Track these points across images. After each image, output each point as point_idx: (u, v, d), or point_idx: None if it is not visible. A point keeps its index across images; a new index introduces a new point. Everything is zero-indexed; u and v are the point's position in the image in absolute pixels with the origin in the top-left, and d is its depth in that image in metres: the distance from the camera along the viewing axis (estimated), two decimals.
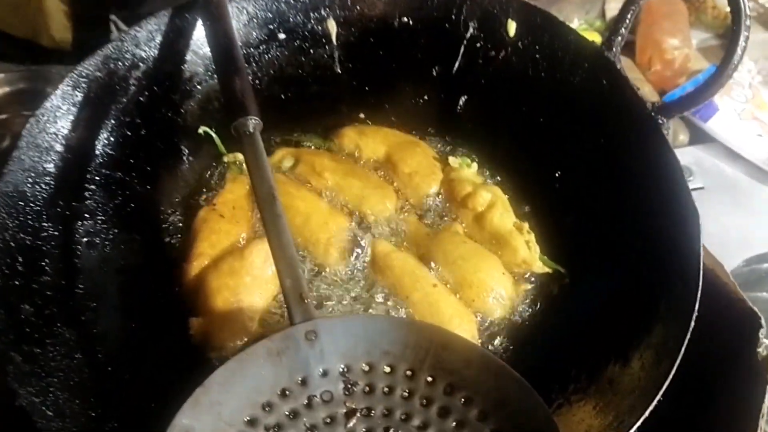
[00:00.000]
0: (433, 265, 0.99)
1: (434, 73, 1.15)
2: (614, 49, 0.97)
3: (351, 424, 0.62)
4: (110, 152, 0.94)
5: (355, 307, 0.95)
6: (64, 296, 0.83)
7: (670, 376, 0.70)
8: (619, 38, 0.97)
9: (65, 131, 0.88)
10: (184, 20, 0.98)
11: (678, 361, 0.71)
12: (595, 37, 1.62)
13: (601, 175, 0.99)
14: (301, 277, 0.67)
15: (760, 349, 0.78)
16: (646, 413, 0.68)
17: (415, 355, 0.65)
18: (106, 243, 0.92)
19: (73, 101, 0.89)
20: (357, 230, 1.03)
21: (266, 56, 1.09)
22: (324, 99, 1.17)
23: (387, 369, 0.65)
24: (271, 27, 1.07)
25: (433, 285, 0.94)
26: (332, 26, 1.10)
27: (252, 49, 1.07)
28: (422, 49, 1.13)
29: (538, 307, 0.99)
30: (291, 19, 1.08)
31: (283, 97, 1.14)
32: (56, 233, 0.85)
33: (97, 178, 0.93)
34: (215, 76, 1.01)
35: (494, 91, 1.12)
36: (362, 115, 1.20)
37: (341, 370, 0.64)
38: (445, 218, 1.07)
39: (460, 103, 1.16)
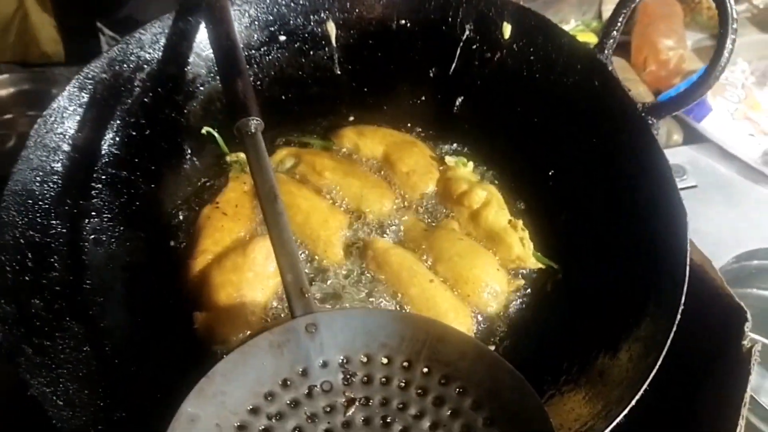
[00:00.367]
0: (429, 261, 1.01)
1: (431, 75, 1.17)
2: (606, 51, 0.99)
3: (350, 413, 0.64)
4: (116, 152, 0.96)
5: (354, 300, 0.97)
6: (72, 291, 0.85)
7: (656, 368, 0.72)
8: (611, 40, 0.99)
9: (72, 131, 0.90)
10: (187, 23, 1.00)
11: (664, 353, 0.73)
12: (592, 38, 1.64)
13: (593, 173, 1.01)
14: (301, 273, 0.69)
15: (744, 342, 0.81)
16: (633, 402, 0.70)
17: (412, 347, 0.67)
18: (113, 240, 0.94)
19: (80, 102, 0.91)
20: (356, 228, 1.06)
21: (267, 58, 1.11)
22: (324, 100, 1.19)
23: (384, 360, 0.67)
24: (272, 29, 1.09)
25: (429, 280, 0.96)
26: (332, 28, 1.12)
27: (253, 51, 1.09)
28: (420, 51, 1.15)
29: (532, 301, 1.01)
30: (291, 22, 1.10)
31: (283, 98, 1.16)
32: (64, 231, 0.87)
33: (103, 177, 0.95)
34: (218, 77, 1.03)
35: (490, 92, 1.14)
36: (361, 116, 1.22)
37: (340, 361, 0.66)
38: (442, 216, 1.10)
39: (457, 103, 1.18)
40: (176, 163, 1.08)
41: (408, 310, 0.95)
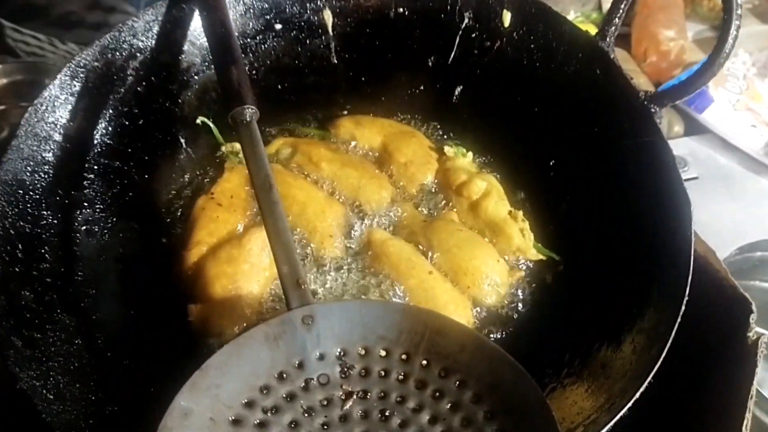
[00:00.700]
0: (428, 252, 1.00)
1: (430, 64, 1.15)
2: (608, 39, 0.98)
3: (347, 406, 0.63)
4: (108, 142, 0.94)
5: (352, 292, 0.96)
6: (64, 283, 0.83)
7: (660, 360, 0.71)
8: (613, 28, 0.98)
9: (63, 121, 0.88)
10: (181, 11, 0.98)
11: (668, 345, 0.72)
12: (591, 29, 1.62)
13: (595, 163, 1.00)
14: (297, 264, 0.68)
15: (750, 334, 0.80)
16: (637, 395, 0.69)
17: (411, 339, 0.66)
18: (105, 231, 0.93)
19: (72, 91, 0.89)
20: (353, 219, 1.04)
21: (263, 47, 1.09)
22: (320, 89, 1.18)
23: (383, 353, 0.66)
24: (268, 17, 1.07)
25: (428, 272, 0.95)
26: (329, 17, 1.10)
27: (249, 40, 1.08)
28: (418, 39, 1.13)
29: (533, 293, 1.00)
30: (287, 10, 1.08)
31: (279, 87, 1.14)
32: (55, 221, 0.85)
33: (96, 167, 0.93)
34: (212, 66, 1.01)
35: (489, 81, 1.12)
36: (358, 105, 1.20)
37: (338, 353, 0.65)
38: (441, 207, 1.08)
39: (456, 93, 1.17)
40: (170, 153, 1.06)
41: (407, 302, 0.94)
